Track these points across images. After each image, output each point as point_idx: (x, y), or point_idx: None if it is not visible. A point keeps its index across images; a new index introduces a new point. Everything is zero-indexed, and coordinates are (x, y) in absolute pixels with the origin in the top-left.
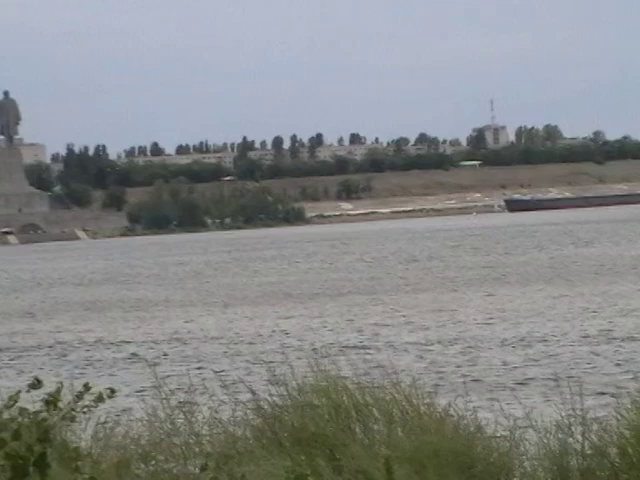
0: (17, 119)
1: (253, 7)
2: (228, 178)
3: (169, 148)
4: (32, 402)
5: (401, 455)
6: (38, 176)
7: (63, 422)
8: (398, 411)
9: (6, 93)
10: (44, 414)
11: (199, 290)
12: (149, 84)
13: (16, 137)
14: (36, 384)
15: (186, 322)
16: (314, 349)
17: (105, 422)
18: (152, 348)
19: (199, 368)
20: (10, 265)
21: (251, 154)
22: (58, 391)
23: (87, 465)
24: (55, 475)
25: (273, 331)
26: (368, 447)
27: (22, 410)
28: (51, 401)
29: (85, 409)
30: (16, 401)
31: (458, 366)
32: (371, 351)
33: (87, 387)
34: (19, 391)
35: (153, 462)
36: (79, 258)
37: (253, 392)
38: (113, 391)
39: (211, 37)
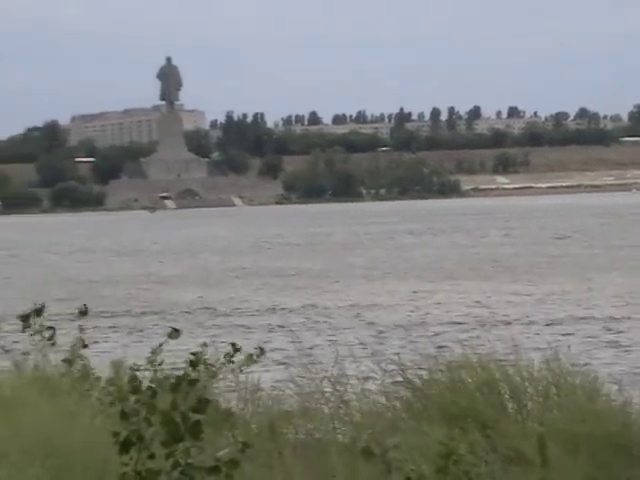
0: (178, 85)
1: None
2: (384, 149)
3: (326, 117)
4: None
5: (555, 433)
6: (197, 142)
7: (212, 382)
8: (553, 388)
9: (168, 59)
10: (194, 374)
11: (342, 263)
12: (308, 53)
13: (177, 103)
14: (174, 334)
15: (333, 293)
16: (468, 325)
17: (255, 387)
18: (299, 317)
19: (347, 338)
20: (166, 230)
21: (408, 125)
22: (203, 352)
23: (238, 427)
24: (207, 437)
25: (422, 305)
26: (521, 424)
27: (162, 376)
28: (196, 361)
29: (237, 370)
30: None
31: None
32: (529, 329)
33: (235, 348)
34: (161, 344)
35: (303, 430)
36: (232, 225)
37: (402, 364)
38: (262, 351)
39: (370, 8)
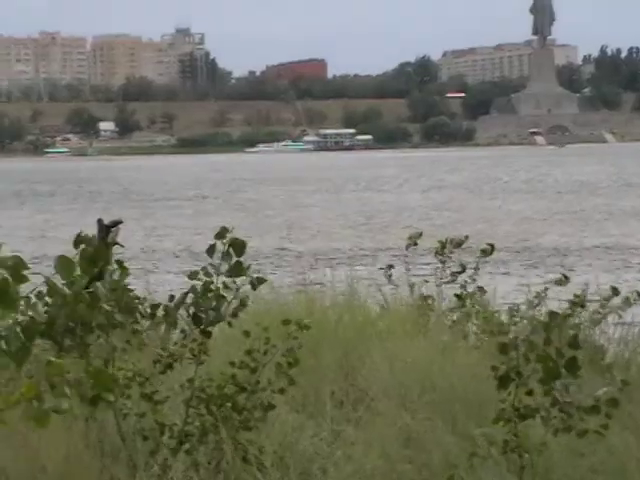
0: (551, 19)
1: None
2: None
3: None
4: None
5: None
6: (568, 77)
7: (590, 324)
8: None
9: None
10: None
11: None
12: None
13: (549, 37)
14: (563, 280)
15: None
16: None
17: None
18: None
19: None
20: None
21: None
22: (584, 292)
23: (615, 368)
24: (585, 375)
25: None
26: None
27: (552, 313)
28: (577, 302)
29: (612, 312)
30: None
31: None
32: None
33: (615, 291)
34: (546, 288)
35: None
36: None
37: None
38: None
39: None
